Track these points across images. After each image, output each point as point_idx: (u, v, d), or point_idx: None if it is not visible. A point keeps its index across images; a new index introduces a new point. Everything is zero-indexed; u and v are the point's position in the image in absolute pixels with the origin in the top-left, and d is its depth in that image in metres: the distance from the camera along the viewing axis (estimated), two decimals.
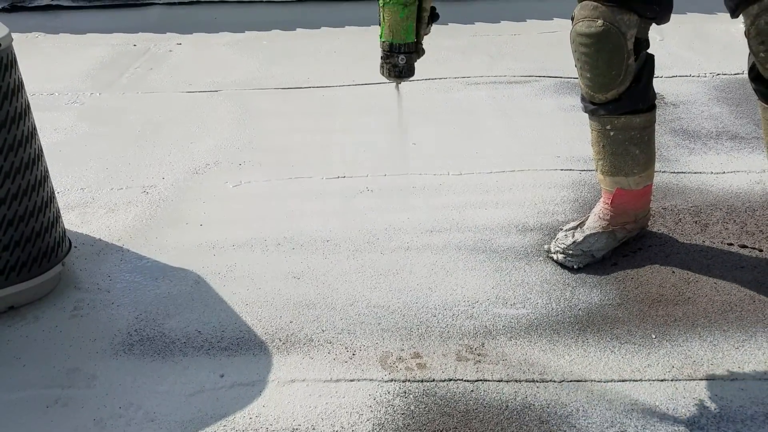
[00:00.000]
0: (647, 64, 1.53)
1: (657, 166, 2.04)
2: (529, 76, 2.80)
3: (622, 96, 1.52)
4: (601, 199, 1.69)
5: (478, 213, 1.91)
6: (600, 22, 1.44)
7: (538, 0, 3.63)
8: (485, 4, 3.64)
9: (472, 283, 1.63)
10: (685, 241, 1.72)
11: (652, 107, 1.58)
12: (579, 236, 1.65)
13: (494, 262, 1.70)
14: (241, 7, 3.71)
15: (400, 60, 1.52)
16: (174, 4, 3.72)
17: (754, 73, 1.44)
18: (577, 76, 1.56)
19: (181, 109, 2.64)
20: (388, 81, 1.55)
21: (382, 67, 1.54)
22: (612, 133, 1.57)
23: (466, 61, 3.01)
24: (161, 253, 1.77)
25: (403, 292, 1.60)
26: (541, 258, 1.70)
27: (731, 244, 1.70)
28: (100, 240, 1.84)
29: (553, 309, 1.53)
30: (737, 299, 1.51)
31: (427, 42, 3.15)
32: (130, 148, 2.34)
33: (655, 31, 3.29)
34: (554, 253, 1.67)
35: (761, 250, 1.67)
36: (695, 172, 2.03)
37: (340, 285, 1.62)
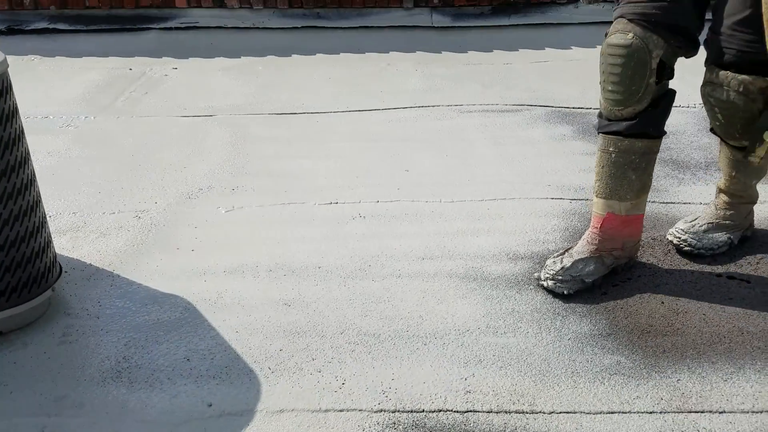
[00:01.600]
0: (668, 94, 1.60)
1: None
2: (521, 105, 2.83)
3: (637, 116, 1.57)
4: (591, 225, 1.73)
5: (470, 240, 1.92)
6: (631, 35, 1.52)
7: (529, 30, 3.69)
8: (478, 33, 3.70)
9: (463, 311, 1.63)
10: (674, 272, 1.73)
11: (657, 137, 1.64)
12: (567, 261, 1.67)
13: (485, 290, 1.70)
14: (237, 33, 3.75)
15: None
16: (171, 29, 3.75)
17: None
18: (600, 91, 1.62)
19: (175, 133, 2.65)
20: None
21: None
22: (614, 156, 1.63)
23: (459, 89, 3.05)
24: (152, 278, 1.77)
25: (394, 320, 1.60)
26: (531, 286, 1.71)
27: (720, 275, 1.71)
28: (90, 265, 1.84)
29: (543, 338, 1.53)
30: (726, 331, 1.52)
31: (420, 70, 3.22)
32: (123, 172, 2.34)
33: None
34: (544, 280, 1.68)
35: (749, 282, 1.68)
36: (685, 203, 2.05)
37: (331, 312, 1.62)
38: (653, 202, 2.06)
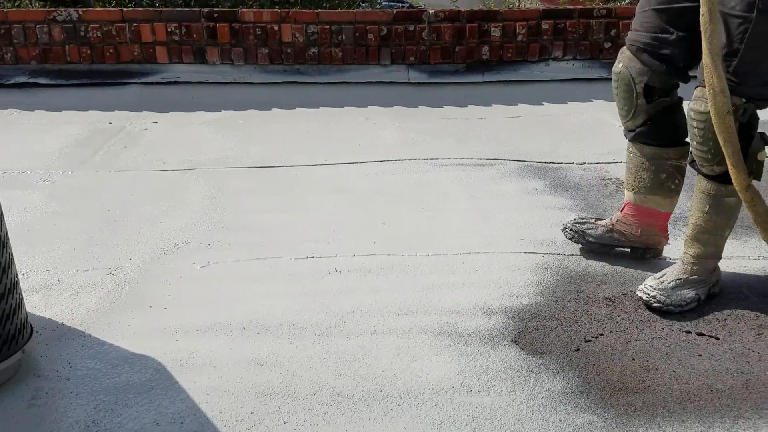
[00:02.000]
0: (665, 111, 1.87)
1: (617, 250, 2.13)
2: (495, 159, 2.90)
3: (637, 128, 1.90)
4: (620, 209, 2.07)
5: (445, 295, 1.93)
6: (621, 65, 1.85)
7: (502, 86, 3.80)
8: (453, 89, 3.80)
9: (438, 369, 1.63)
10: (644, 328, 1.76)
11: (663, 145, 1.91)
12: (591, 223, 2.09)
13: (459, 347, 1.71)
14: (218, 88, 3.81)
15: None
16: (152, 83, 3.81)
17: (690, 160, 1.83)
18: None
19: (153, 187, 2.66)
20: None
21: None
22: (631, 155, 1.97)
23: (436, 143, 3.11)
24: (124, 338, 1.75)
25: (368, 379, 1.60)
26: (505, 342, 1.72)
27: (689, 332, 1.74)
28: (62, 324, 1.81)
29: (517, 397, 1.53)
30: (695, 388, 1.53)
31: (398, 124, 3.27)
32: (99, 228, 2.34)
33: (613, 117, 3.44)
34: (565, 225, 2.10)
35: (717, 338, 1.71)
36: (654, 258, 2.09)
37: (304, 372, 1.61)
38: (623, 257, 2.09)
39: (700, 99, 1.68)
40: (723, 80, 1.57)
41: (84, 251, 2.19)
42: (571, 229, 2.08)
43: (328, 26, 3.76)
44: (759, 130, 1.68)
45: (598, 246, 2.06)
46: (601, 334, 1.74)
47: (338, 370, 1.62)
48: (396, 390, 1.56)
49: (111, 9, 4.10)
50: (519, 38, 3.78)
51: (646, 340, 1.71)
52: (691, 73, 1.84)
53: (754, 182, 1.67)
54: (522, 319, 1.81)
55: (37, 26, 3.75)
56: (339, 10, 4.06)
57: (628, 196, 2.02)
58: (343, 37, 3.77)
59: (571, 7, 4.04)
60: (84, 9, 3.98)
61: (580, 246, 2.15)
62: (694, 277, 1.83)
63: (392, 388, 1.56)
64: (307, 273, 2.05)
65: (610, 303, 1.87)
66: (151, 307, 1.88)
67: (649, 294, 1.82)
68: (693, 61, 1.76)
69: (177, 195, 2.59)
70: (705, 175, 1.77)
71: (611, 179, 2.69)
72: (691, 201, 1.85)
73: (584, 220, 2.10)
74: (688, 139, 1.82)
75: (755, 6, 1.54)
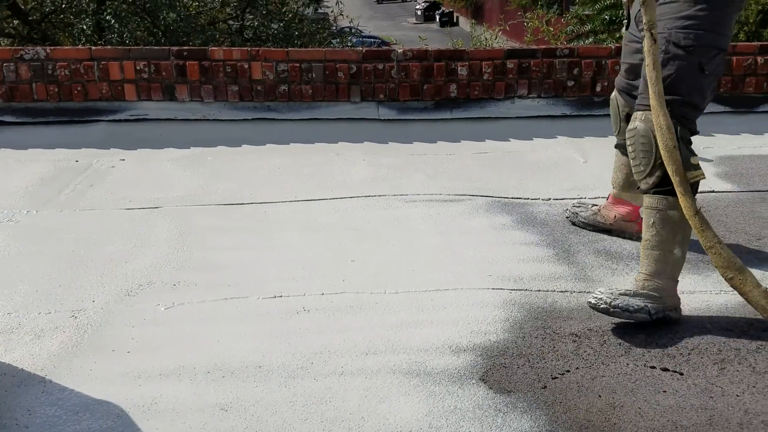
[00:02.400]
0: None
1: (581, 286, 2.17)
2: (463, 195, 2.93)
3: (621, 141, 2.40)
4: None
5: (413, 333, 1.93)
6: (613, 95, 2.40)
7: (470, 122, 3.86)
8: (422, 125, 3.85)
9: (405, 410, 1.62)
10: (610, 364, 1.77)
11: None
12: (578, 205, 2.65)
13: (427, 387, 1.70)
14: (187, 125, 3.80)
15: None
16: (120, 121, 3.79)
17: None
18: None
19: (118, 226, 2.63)
20: None
21: None
22: (615, 158, 2.51)
23: (405, 179, 3.14)
24: (85, 383, 1.71)
25: (335, 422, 1.58)
26: (473, 380, 1.72)
27: (654, 367, 1.76)
28: (22, 370, 1.76)
29: None
30: (660, 425, 1.54)
31: (368, 160, 3.31)
32: (62, 269, 2.29)
33: (578, 153, 3.51)
34: (567, 209, 2.68)
35: (682, 374, 1.73)
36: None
37: (270, 417, 1.58)
38: (588, 292, 2.12)
39: (633, 119, 1.99)
40: (668, 118, 1.85)
41: (46, 293, 2.14)
42: (570, 211, 2.65)
43: (298, 64, 3.80)
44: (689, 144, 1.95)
45: (584, 225, 2.57)
46: (568, 371, 1.75)
47: (304, 414, 1.60)
48: None
49: (79, 48, 4.08)
50: (485, 77, 3.86)
51: (612, 376, 1.72)
52: None
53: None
54: (490, 356, 1.81)
55: (4, 64, 3.72)
56: (309, 49, 4.12)
57: (611, 189, 2.55)
58: (313, 75, 3.81)
59: (534, 47, 4.15)
60: (52, 47, 3.96)
61: (545, 288, 2.17)
62: (645, 292, 1.90)
63: None
64: (275, 313, 2.03)
65: (576, 339, 1.88)
66: (113, 351, 1.84)
67: (597, 297, 1.89)
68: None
69: (143, 234, 2.56)
70: (644, 191, 1.95)
71: None
72: None
73: (580, 204, 2.66)
74: None
75: (668, 39, 1.91)
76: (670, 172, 1.82)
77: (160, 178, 3.15)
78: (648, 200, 1.93)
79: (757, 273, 2.23)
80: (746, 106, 4.01)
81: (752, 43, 4.08)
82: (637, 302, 1.87)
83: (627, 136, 1.99)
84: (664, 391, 1.66)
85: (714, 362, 1.78)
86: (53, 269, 2.29)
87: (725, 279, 1.85)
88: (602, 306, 1.87)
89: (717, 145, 3.64)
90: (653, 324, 1.90)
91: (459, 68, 3.86)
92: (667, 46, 1.90)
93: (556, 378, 1.72)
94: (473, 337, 1.90)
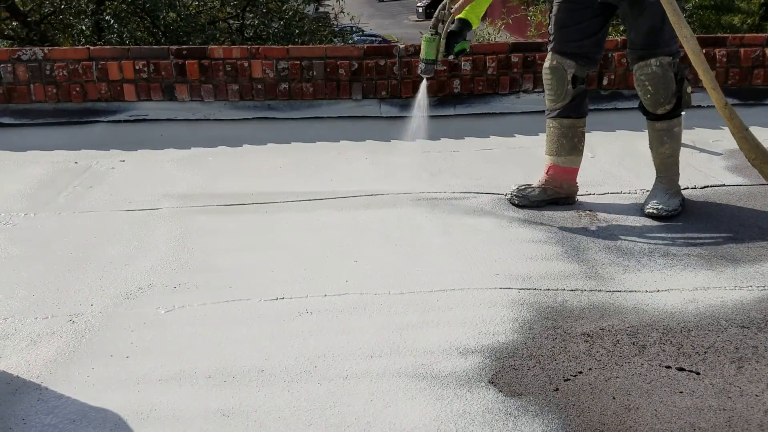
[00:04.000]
0: (580, 94, 2.61)
1: (592, 284, 2.11)
2: (468, 192, 2.87)
3: (562, 108, 2.62)
4: (543, 170, 2.73)
5: (419, 334, 1.87)
6: (555, 62, 2.57)
7: (474, 119, 3.81)
8: (427, 121, 3.78)
9: (412, 414, 1.57)
10: (623, 364, 1.71)
11: (578, 117, 2.63)
12: (523, 187, 2.72)
13: (435, 390, 1.65)
14: (188, 125, 3.76)
15: (428, 67, 2.60)
16: (119, 122, 3.74)
17: (642, 108, 2.57)
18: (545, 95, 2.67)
19: (118, 229, 2.58)
20: (423, 76, 2.65)
21: (419, 67, 2.64)
22: (552, 128, 2.67)
23: (409, 177, 3.08)
24: (82, 390, 1.66)
25: (340, 427, 1.52)
26: (482, 383, 1.66)
27: (669, 367, 1.70)
28: (17, 377, 1.72)
29: None
30: (677, 428, 1.48)
31: (370, 159, 3.29)
32: (60, 273, 2.25)
33: (587, 149, 3.47)
34: (509, 196, 2.75)
35: (698, 373, 1.67)
36: (630, 291, 2.06)
37: (272, 423, 1.53)
38: (599, 290, 2.06)
39: (643, 67, 2.46)
40: (689, 28, 2.22)
41: (44, 297, 2.10)
42: (516, 197, 2.70)
43: (298, 62, 3.74)
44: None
45: (540, 202, 2.69)
46: (580, 372, 1.69)
47: (308, 420, 1.55)
48: None
49: (77, 48, 4.04)
50: (489, 71, 3.81)
51: (626, 376, 1.67)
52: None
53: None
54: (499, 358, 1.76)
55: (1, 65, 3.68)
56: (309, 46, 4.07)
57: (551, 160, 2.69)
58: (314, 73, 3.76)
59: (539, 40, 4.09)
60: (50, 48, 3.92)
61: (555, 287, 2.12)
62: (674, 189, 2.62)
63: None
64: (277, 315, 1.98)
65: (588, 338, 1.83)
66: (112, 356, 1.79)
67: (657, 209, 2.54)
68: (600, 54, 2.60)
69: (142, 236, 2.51)
70: (658, 117, 2.52)
71: (585, 211, 2.68)
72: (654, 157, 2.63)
73: (524, 186, 2.72)
74: (641, 97, 2.53)
75: None
76: (700, 73, 2.19)
77: (161, 179, 3.11)
78: (660, 125, 2.54)
79: None
80: (754, 99, 3.95)
81: (760, 35, 4.01)
82: (676, 201, 2.58)
83: (644, 77, 2.46)
84: (681, 392, 1.60)
85: (731, 361, 1.72)
86: (51, 273, 2.25)
87: (749, 160, 2.29)
88: (664, 213, 2.52)
89: (726, 138, 3.56)
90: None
91: (462, 63, 3.80)
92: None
93: (568, 380, 1.66)
94: (481, 339, 1.85)
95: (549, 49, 2.61)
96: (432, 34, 2.59)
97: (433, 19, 2.60)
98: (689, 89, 2.51)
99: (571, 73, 2.54)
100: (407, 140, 3.57)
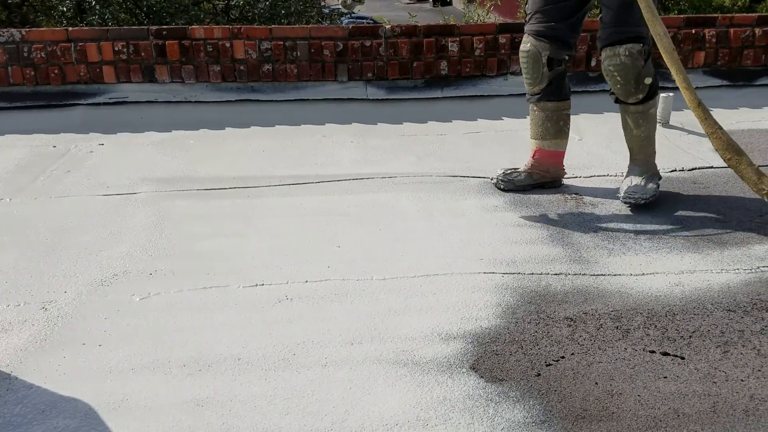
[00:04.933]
0: (558, 76, 2.55)
1: (576, 268, 2.07)
2: (454, 176, 2.82)
3: (542, 92, 2.56)
4: (529, 155, 2.68)
5: (401, 320, 1.84)
6: (529, 45, 2.52)
7: (462, 101, 3.75)
8: (412, 105, 3.73)
9: (392, 401, 1.53)
10: (607, 349, 1.68)
11: (560, 100, 2.58)
12: (509, 171, 2.67)
13: (415, 377, 1.61)
14: (168, 107, 3.68)
15: None
16: (99, 104, 3.66)
17: (613, 96, 2.49)
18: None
19: (94, 213, 2.52)
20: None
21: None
22: (536, 112, 2.62)
23: (394, 161, 3.03)
24: (53, 379, 1.61)
25: (318, 416, 1.49)
26: (464, 369, 1.63)
27: (653, 352, 1.67)
28: None
29: (475, 429, 1.44)
30: (661, 413, 1.46)
31: (356, 142, 3.21)
32: (34, 259, 2.19)
33: (574, 131, 3.40)
34: (494, 179, 2.69)
35: (683, 358, 1.64)
36: (615, 274, 2.03)
37: (248, 412, 1.49)
38: (583, 274, 2.03)
39: (611, 56, 2.37)
40: (663, 26, 2.16)
41: (17, 284, 2.04)
42: (502, 181, 2.66)
43: (282, 42, 3.67)
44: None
45: (525, 186, 2.65)
46: (563, 357, 1.66)
47: (285, 408, 1.51)
48: (347, 427, 1.45)
49: (55, 29, 3.94)
50: (477, 53, 3.74)
51: (609, 361, 1.64)
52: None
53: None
54: (481, 343, 1.72)
55: None
56: (293, 26, 3.98)
57: (537, 144, 2.65)
58: (298, 53, 3.68)
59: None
60: (27, 29, 3.82)
61: (539, 271, 2.08)
62: (650, 171, 2.53)
63: (343, 426, 1.46)
64: (255, 302, 1.93)
65: (571, 323, 1.79)
66: (84, 345, 1.74)
67: (634, 197, 2.43)
68: (576, 36, 2.53)
69: (120, 221, 2.45)
70: (632, 104, 2.44)
71: (571, 194, 2.64)
72: (629, 140, 2.54)
73: (510, 171, 2.67)
74: (611, 87, 2.45)
75: None
76: (673, 72, 2.13)
77: (140, 163, 3.04)
78: (634, 109, 2.45)
79: (760, 250, 2.15)
80: (745, 80, 3.91)
81: (750, 14, 3.97)
82: (652, 186, 2.47)
83: (612, 68, 2.38)
84: (665, 377, 1.57)
85: (716, 345, 1.70)
86: (24, 259, 2.19)
87: (724, 159, 2.18)
88: (642, 202, 2.42)
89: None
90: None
91: (449, 44, 3.74)
92: None
93: (550, 365, 1.63)
94: (464, 324, 1.81)
95: (525, 30, 2.55)
96: None
97: None
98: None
99: (545, 55, 2.48)
100: (393, 123, 3.50)
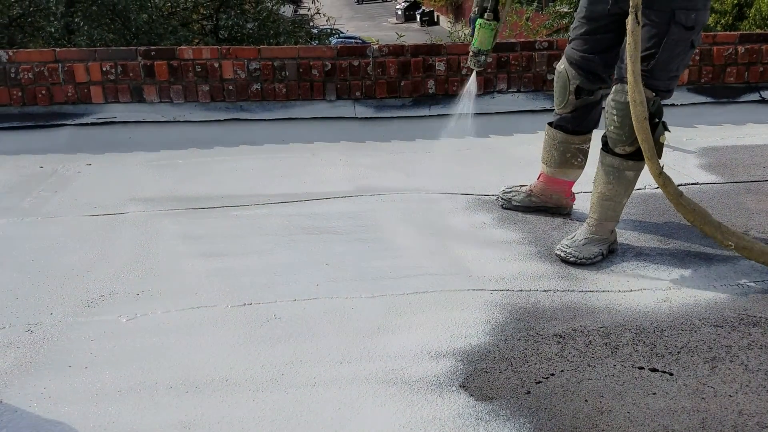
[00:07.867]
0: (585, 106, 2.41)
1: (564, 284, 2.08)
2: (443, 193, 2.83)
3: (563, 114, 2.45)
4: (537, 177, 2.60)
5: (390, 339, 1.83)
6: (563, 66, 2.41)
7: (450, 119, 3.77)
8: (400, 123, 3.75)
9: (382, 421, 1.52)
10: (596, 365, 1.68)
11: (573, 133, 2.45)
12: (509, 190, 2.66)
13: (405, 396, 1.60)
14: (157, 127, 3.67)
15: (483, 59, 2.51)
16: (86, 124, 3.65)
17: (603, 137, 2.23)
18: None
19: (82, 234, 2.50)
20: (474, 69, 2.56)
21: (470, 60, 2.53)
22: (547, 137, 2.53)
23: (383, 178, 3.04)
24: (38, 403, 1.59)
25: None
26: (453, 388, 1.62)
27: (642, 368, 1.67)
28: None
29: None
30: (651, 430, 1.45)
31: (344, 160, 3.23)
32: (20, 281, 2.17)
33: None
34: (497, 197, 2.68)
35: (671, 374, 1.64)
36: (603, 291, 2.04)
37: None
38: (572, 291, 2.03)
39: (620, 92, 2.12)
40: (642, 94, 1.98)
41: (2, 307, 2.02)
42: (502, 198, 2.65)
43: (270, 62, 3.68)
44: (663, 119, 2.10)
45: (522, 208, 2.60)
46: (552, 374, 1.66)
47: (273, 430, 1.49)
48: None
49: (42, 50, 3.94)
50: (464, 72, 3.78)
51: (599, 378, 1.64)
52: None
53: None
54: (471, 361, 1.72)
55: None
56: (282, 47, 4.00)
57: (542, 167, 2.56)
58: (287, 73, 3.70)
59: (512, 40, 4.07)
60: (15, 50, 3.82)
61: (528, 288, 2.09)
62: (598, 236, 2.24)
63: None
64: (244, 322, 1.92)
65: (561, 340, 1.80)
66: (70, 367, 1.72)
67: (565, 251, 2.22)
68: (610, 72, 2.34)
69: (107, 242, 2.44)
70: (616, 154, 2.18)
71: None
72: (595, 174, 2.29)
73: (510, 189, 2.66)
74: (605, 125, 2.21)
75: (671, 19, 2.03)
76: (639, 140, 2.02)
77: (128, 183, 3.03)
78: (611, 161, 2.19)
79: (746, 265, 2.16)
80: (728, 97, 3.97)
81: (732, 33, 4.04)
82: (594, 250, 2.21)
83: (614, 104, 2.14)
84: (654, 394, 1.58)
85: (705, 361, 1.70)
86: (10, 281, 2.17)
87: (689, 222, 2.10)
88: (571, 259, 2.20)
89: (699, 137, 3.59)
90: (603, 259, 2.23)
91: (436, 63, 3.77)
92: (671, 27, 2.03)
93: (540, 382, 1.63)
94: (453, 342, 1.81)
95: (565, 51, 2.42)
96: (488, 20, 2.38)
97: (476, 6, 2.41)
98: (664, 138, 2.08)
99: (575, 84, 2.34)
100: (381, 141, 3.52)
